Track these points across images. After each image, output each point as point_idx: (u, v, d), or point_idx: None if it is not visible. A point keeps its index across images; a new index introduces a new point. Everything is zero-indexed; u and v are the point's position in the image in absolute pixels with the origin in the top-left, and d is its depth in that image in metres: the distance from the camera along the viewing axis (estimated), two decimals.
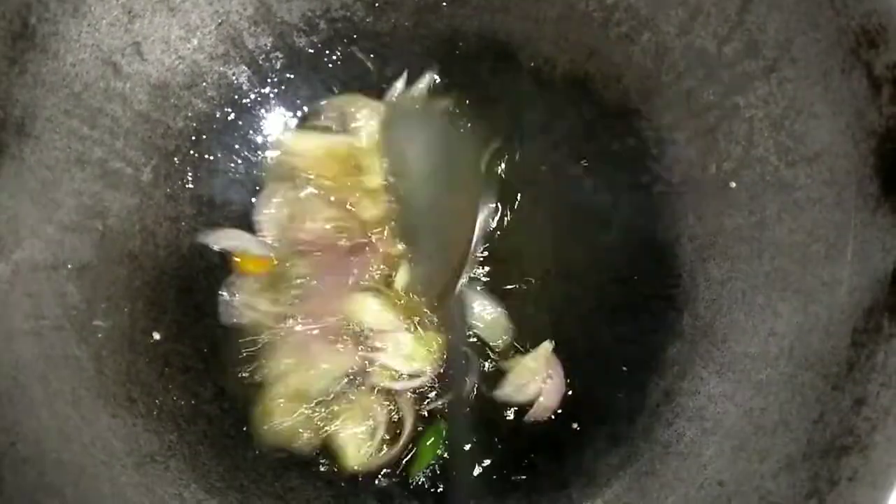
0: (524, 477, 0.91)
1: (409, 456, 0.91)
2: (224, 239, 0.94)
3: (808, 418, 0.73)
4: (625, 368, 0.92)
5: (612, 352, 0.94)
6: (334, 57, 0.97)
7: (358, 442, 0.90)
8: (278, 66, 0.97)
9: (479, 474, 0.91)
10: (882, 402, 0.68)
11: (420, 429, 0.91)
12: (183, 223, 0.94)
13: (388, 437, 0.91)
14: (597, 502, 0.86)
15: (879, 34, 0.69)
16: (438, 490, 0.91)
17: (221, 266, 0.96)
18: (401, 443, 0.90)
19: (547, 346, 0.92)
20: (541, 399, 0.91)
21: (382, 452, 0.90)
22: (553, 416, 0.92)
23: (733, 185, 0.84)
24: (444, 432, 0.91)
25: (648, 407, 0.88)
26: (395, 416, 0.92)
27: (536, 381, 0.91)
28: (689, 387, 0.85)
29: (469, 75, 0.98)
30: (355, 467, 0.90)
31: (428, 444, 0.91)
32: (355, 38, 0.96)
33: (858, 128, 0.72)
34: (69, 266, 0.86)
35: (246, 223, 0.96)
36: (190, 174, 0.95)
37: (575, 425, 0.92)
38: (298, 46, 0.96)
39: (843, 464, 0.68)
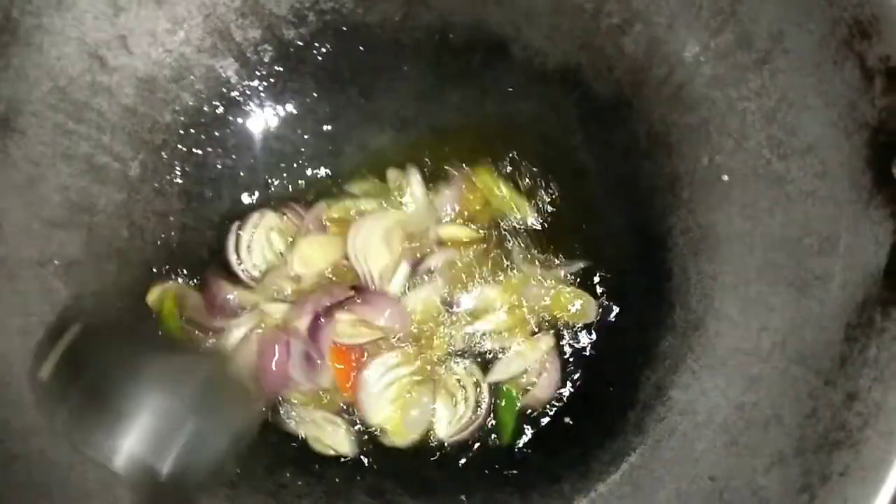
0: (516, 471, 0.91)
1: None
2: None
3: (801, 413, 0.73)
4: (616, 362, 0.92)
5: (604, 345, 0.94)
6: (324, 49, 0.96)
7: (448, 415, 0.90)
8: (267, 59, 0.96)
9: (471, 468, 0.91)
10: (874, 397, 0.67)
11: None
12: (171, 218, 0.94)
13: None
14: (589, 496, 0.86)
15: (872, 25, 0.68)
16: (428, 485, 0.90)
17: (210, 263, 0.95)
18: (482, 411, 0.90)
19: (549, 340, 0.91)
20: (535, 390, 0.91)
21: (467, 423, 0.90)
22: (545, 410, 0.92)
23: (725, 178, 0.84)
24: (513, 393, 0.90)
25: (640, 401, 0.88)
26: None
27: (533, 369, 0.91)
28: (680, 381, 0.85)
29: (460, 68, 0.97)
30: (447, 440, 0.90)
31: (504, 406, 0.90)
32: (344, 30, 0.95)
33: (851, 120, 0.72)
34: (56, 262, 0.85)
35: (234, 219, 0.95)
36: (178, 169, 0.94)
37: (567, 419, 0.92)
38: (287, 39, 0.95)
39: (835, 459, 0.68)
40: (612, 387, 0.91)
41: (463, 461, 0.91)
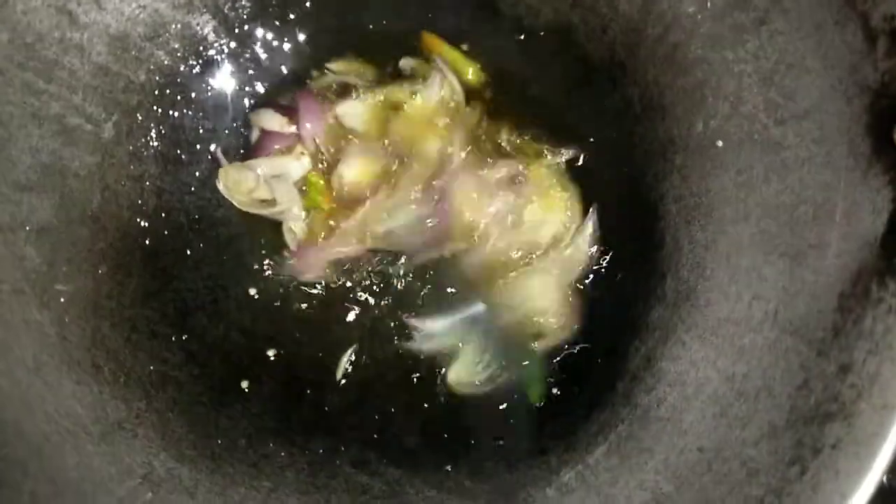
0: (501, 442, 0.90)
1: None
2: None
3: (792, 384, 0.71)
4: (606, 332, 0.90)
5: (593, 315, 0.92)
6: (306, 4, 0.92)
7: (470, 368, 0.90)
8: (245, 16, 0.93)
9: (456, 439, 0.89)
10: (868, 370, 0.66)
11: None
12: (147, 182, 0.91)
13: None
14: (576, 468, 0.85)
15: None
16: (414, 455, 0.89)
17: (189, 227, 0.92)
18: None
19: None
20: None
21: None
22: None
23: (720, 143, 0.81)
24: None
25: (629, 371, 0.87)
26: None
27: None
28: (670, 351, 0.84)
29: (448, 26, 0.93)
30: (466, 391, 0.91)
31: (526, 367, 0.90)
32: None
33: (852, 83, 0.69)
34: (27, 227, 0.82)
35: (211, 183, 0.93)
36: (154, 131, 0.91)
37: (555, 390, 0.91)
38: None
39: (827, 431, 0.66)
40: (600, 357, 0.90)
41: (447, 433, 0.89)
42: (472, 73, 0.93)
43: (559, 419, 0.89)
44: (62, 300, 0.83)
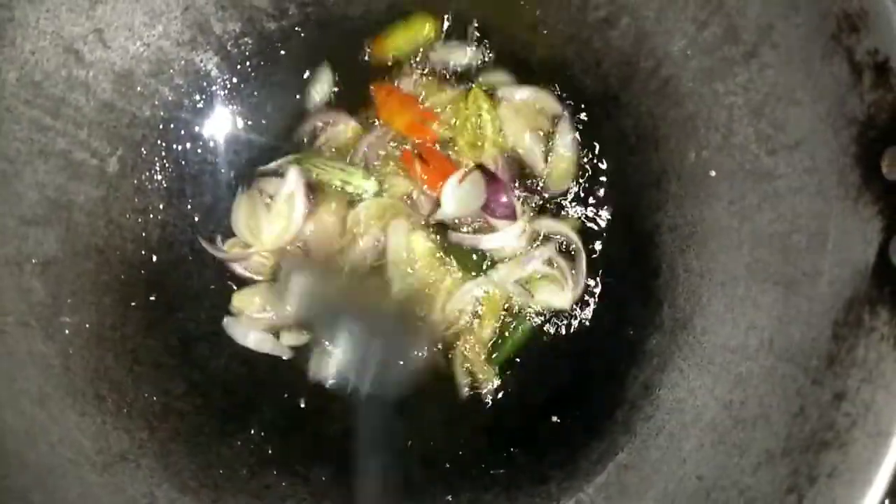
0: (503, 471, 0.90)
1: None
2: None
3: (788, 412, 0.72)
4: (603, 361, 0.91)
5: (591, 344, 0.93)
6: (306, 40, 0.94)
7: None
8: (248, 52, 0.94)
9: (457, 468, 0.90)
10: (862, 398, 0.66)
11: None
12: (151, 215, 0.92)
13: None
14: (576, 496, 0.85)
15: (861, 18, 0.67)
16: (415, 486, 0.89)
17: (191, 258, 0.93)
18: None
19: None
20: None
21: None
22: (531, 409, 0.91)
23: (713, 173, 0.83)
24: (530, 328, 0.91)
25: (628, 400, 0.87)
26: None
27: None
28: (668, 379, 0.84)
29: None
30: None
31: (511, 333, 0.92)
32: (327, 22, 0.93)
33: (839, 115, 0.70)
34: (33, 261, 0.83)
35: (216, 216, 0.94)
36: (158, 165, 0.93)
37: (554, 418, 0.91)
38: (268, 31, 0.94)
39: (823, 460, 0.67)
40: (599, 386, 0.90)
41: (448, 462, 0.90)
42: None
43: (559, 447, 0.89)
44: (67, 332, 0.83)
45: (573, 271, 0.91)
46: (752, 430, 0.74)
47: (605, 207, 0.93)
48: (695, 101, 0.83)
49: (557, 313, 0.93)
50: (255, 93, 0.96)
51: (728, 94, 0.79)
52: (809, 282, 0.73)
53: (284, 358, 0.93)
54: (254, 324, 0.92)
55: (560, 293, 0.91)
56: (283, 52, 0.95)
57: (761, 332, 0.77)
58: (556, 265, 0.92)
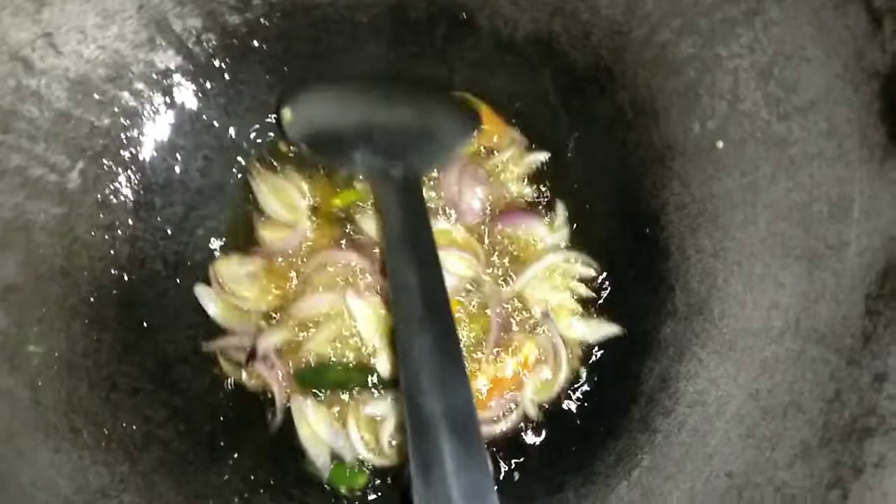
0: (515, 479, 0.84)
1: None
2: None
3: (823, 398, 0.66)
4: (615, 355, 0.85)
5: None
6: (272, 34, 0.88)
7: None
8: (211, 50, 0.88)
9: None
10: None
11: None
12: (119, 231, 0.86)
13: None
14: (597, 503, 0.79)
15: None
16: None
17: (165, 275, 0.87)
18: None
19: None
20: None
21: None
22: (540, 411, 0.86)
23: (720, 144, 0.77)
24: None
25: (644, 394, 0.82)
26: None
27: None
28: (686, 370, 0.79)
29: (422, 45, 0.89)
30: None
31: None
32: (293, 12, 0.87)
33: (858, 70, 0.65)
34: None
35: (187, 226, 0.88)
36: (122, 176, 0.87)
37: (563, 423, 0.85)
38: (232, 25, 0.87)
39: (867, 448, 0.61)
40: (612, 381, 0.84)
41: None
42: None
43: (574, 451, 0.83)
44: (34, 362, 0.77)
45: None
46: (783, 420, 0.69)
47: (606, 190, 0.87)
48: (695, 68, 0.77)
49: None
50: (223, 93, 0.90)
51: (732, 58, 0.74)
52: (835, 254, 0.68)
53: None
54: (225, 297, 0.87)
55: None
56: (249, 48, 0.88)
57: (785, 312, 0.71)
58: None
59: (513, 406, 0.86)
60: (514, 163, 0.91)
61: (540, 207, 0.91)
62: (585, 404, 0.86)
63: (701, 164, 0.79)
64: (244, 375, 0.88)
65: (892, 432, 0.60)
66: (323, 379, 0.86)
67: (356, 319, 0.85)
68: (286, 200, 0.90)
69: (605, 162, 0.87)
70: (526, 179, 0.91)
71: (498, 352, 0.86)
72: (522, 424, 0.86)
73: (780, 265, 0.73)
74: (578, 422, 0.86)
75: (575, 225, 0.90)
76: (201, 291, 0.88)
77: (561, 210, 0.90)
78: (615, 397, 0.84)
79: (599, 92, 0.86)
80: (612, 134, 0.86)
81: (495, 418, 0.86)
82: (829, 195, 0.69)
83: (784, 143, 0.72)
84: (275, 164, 0.91)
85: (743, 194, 0.76)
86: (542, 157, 0.90)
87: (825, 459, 0.64)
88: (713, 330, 0.78)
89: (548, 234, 0.88)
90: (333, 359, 0.86)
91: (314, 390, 0.87)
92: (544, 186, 0.91)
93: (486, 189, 0.89)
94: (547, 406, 0.87)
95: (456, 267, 0.86)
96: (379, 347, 0.86)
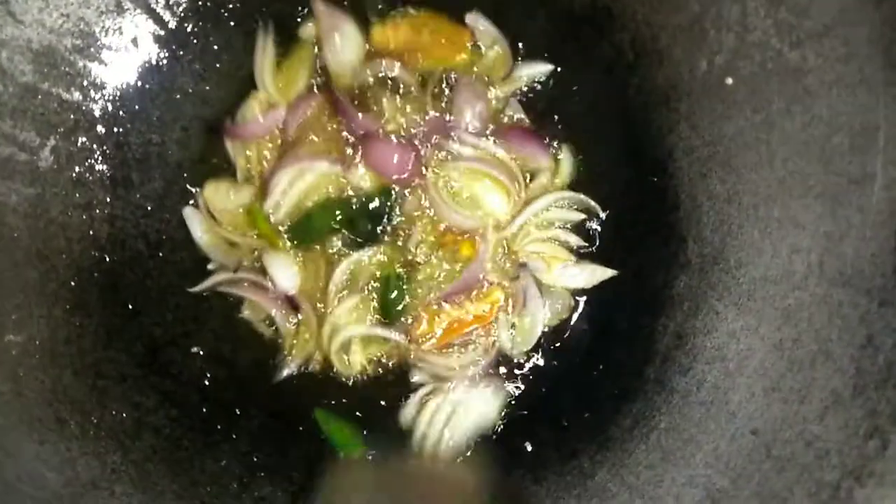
0: (528, 448, 0.81)
1: None
2: None
3: (853, 344, 0.62)
4: (626, 313, 0.81)
5: (610, 294, 0.83)
6: None
7: None
8: (182, 13, 0.84)
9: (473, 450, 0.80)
10: None
11: None
12: (97, 210, 0.82)
13: None
14: (613, 469, 0.75)
15: None
16: None
17: (148, 254, 0.83)
18: None
19: None
20: None
21: None
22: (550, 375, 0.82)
23: (729, 81, 0.73)
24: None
25: (659, 353, 0.78)
26: None
27: None
28: (703, 324, 0.75)
29: None
30: None
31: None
32: None
33: None
34: None
35: (168, 202, 0.84)
36: (98, 152, 0.82)
37: (574, 387, 0.82)
38: None
39: None
40: (624, 341, 0.80)
41: None
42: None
43: (587, 417, 0.79)
44: (14, 352, 0.74)
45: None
46: (811, 370, 0.65)
47: (608, 139, 0.83)
48: (700, 0, 0.71)
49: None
50: (197, 59, 0.85)
51: None
52: (859, 188, 0.64)
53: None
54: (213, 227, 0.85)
55: None
56: (222, 9, 0.83)
57: (807, 255, 0.67)
58: None
59: (479, 343, 0.84)
60: (500, 67, 0.86)
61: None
62: (599, 367, 0.82)
63: (709, 103, 0.75)
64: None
65: None
66: (312, 225, 0.83)
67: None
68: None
69: (606, 109, 0.83)
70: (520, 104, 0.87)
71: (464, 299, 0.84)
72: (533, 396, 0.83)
73: (799, 206, 0.69)
74: (590, 386, 0.82)
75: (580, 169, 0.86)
76: (190, 213, 0.85)
77: (567, 152, 0.86)
78: (628, 358, 0.80)
79: (597, 34, 0.81)
80: (613, 78, 0.82)
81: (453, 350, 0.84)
82: (850, 125, 0.64)
83: (799, 73, 0.67)
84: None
85: (756, 133, 0.72)
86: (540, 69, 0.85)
87: (860, 409, 0.60)
88: (730, 281, 0.74)
89: (551, 168, 0.85)
90: None
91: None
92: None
93: (486, 105, 0.84)
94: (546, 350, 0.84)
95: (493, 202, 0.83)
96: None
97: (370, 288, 0.84)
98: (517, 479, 0.78)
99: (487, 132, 0.85)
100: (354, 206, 0.84)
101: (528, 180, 0.85)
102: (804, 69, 0.67)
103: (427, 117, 0.84)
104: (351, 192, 0.84)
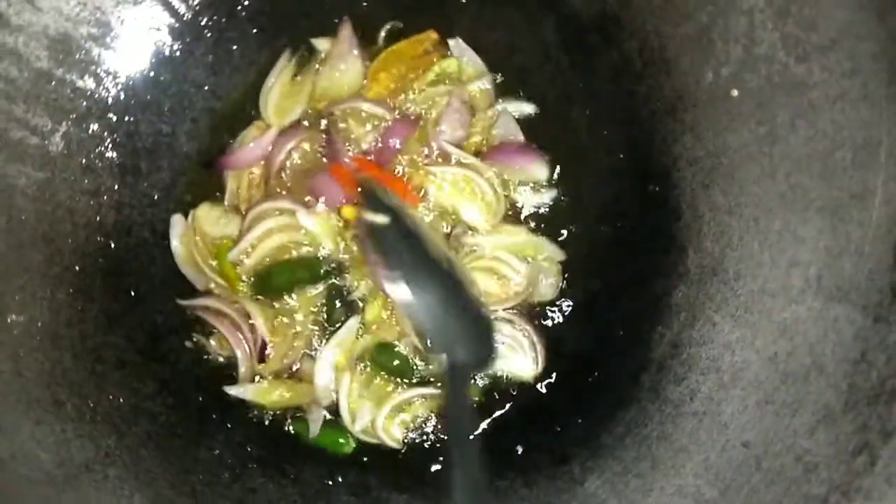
0: (519, 451, 0.80)
1: None
2: None
3: (847, 359, 0.61)
4: (623, 320, 0.80)
5: (608, 301, 0.83)
6: None
7: None
8: (198, 6, 0.85)
9: None
10: None
11: None
12: (104, 197, 0.83)
13: None
14: (604, 476, 0.75)
15: None
16: (417, 477, 0.79)
17: (153, 242, 0.84)
18: None
19: None
20: None
21: None
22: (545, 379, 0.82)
23: (735, 93, 0.72)
24: None
25: (654, 361, 0.77)
26: None
27: None
28: (699, 335, 0.74)
29: None
30: None
31: None
32: None
33: None
34: None
35: (175, 192, 0.85)
36: (108, 140, 0.83)
37: (569, 393, 0.81)
38: None
39: None
40: (620, 347, 0.80)
41: None
42: None
43: (579, 422, 0.79)
44: (16, 332, 0.74)
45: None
46: (804, 384, 0.64)
47: (613, 146, 0.82)
48: (707, 12, 0.72)
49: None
50: (211, 53, 0.86)
51: None
52: (860, 203, 0.63)
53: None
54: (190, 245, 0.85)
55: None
56: (237, 4, 0.84)
57: (806, 269, 0.66)
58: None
59: None
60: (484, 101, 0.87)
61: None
62: (594, 373, 0.81)
63: (715, 114, 0.75)
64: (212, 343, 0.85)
65: None
66: (271, 282, 0.83)
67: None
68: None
69: (612, 116, 0.83)
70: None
71: None
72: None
73: (799, 219, 0.68)
74: (585, 391, 0.81)
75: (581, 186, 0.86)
76: (176, 221, 0.85)
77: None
78: (624, 365, 0.80)
79: (605, 42, 0.81)
80: (619, 86, 0.82)
81: None
82: (853, 140, 0.63)
83: (804, 87, 0.67)
84: None
85: (760, 145, 0.71)
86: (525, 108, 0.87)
87: (850, 424, 0.59)
88: (728, 292, 0.73)
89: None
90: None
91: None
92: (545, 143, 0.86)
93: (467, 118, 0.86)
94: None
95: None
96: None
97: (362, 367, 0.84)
98: (509, 481, 0.78)
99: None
100: (315, 269, 0.84)
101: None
102: (809, 83, 0.66)
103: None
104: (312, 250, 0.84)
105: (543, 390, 0.84)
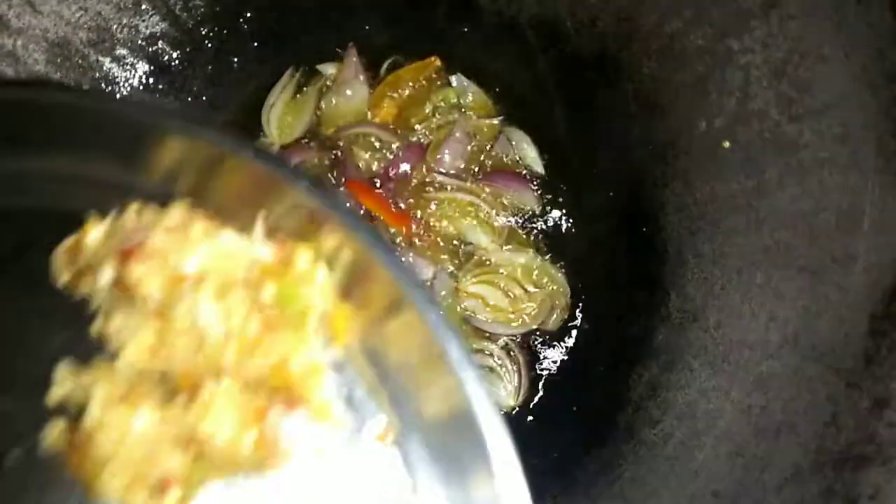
0: None
1: None
2: None
3: (818, 420, 0.62)
4: (603, 359, 0.81)
5: (589, 340, 0.84)
6: (264, 5, 0.84)
7: None
8: (200, 17, 0.84)
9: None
10: None
11: None
12: None
13: None
14: None
15: None
16: None
17: None
18: None
19: None
20: None
21: None
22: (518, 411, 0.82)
23: (727, 144, 0.73)
24: None
25: (632, 401, 0.78)
26: None
27: None
28: (677, 379, 0.75)
29: (421, 23, 0.85)
30: None
31: None
32: None
33: (878, 72, 0.60)
34: None
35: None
36: None
37: (545, 425, 0.82)
38: None
39: (863, 478, 0.57)
40: (599, 385, 0.81)
41: None
42: None
43: (556, 456, 0.79)
44: None
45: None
46: (775, 440, 0.65)
47: (603, 185, 0.83)
48: (705, 62, 0.73)
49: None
50: (211, 64, 0.86)
51: (744, 52, 0.69)
52: (840, 268, 0.64)
53: None
54: None
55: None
56: (239, 16, 0.84)
57: (784, 325, 0.67)
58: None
59: None
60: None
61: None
62: (572, 408, 0.82)
63: (705, 163, 0.75)
64: None
65: (890, 463, 0.56)
66: None
67: None
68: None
69: (604, 155, 0.84)
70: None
71: None
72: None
73: (781, 276, 0.69)
74: (562, 427, 0.82)
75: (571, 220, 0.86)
76: None
77: None
78: (601, 403, 0.80)
79: (603, 81, 0.82)
80: (613, 126, 0.82)
81: None
82: (838, 204, 0.64)
83: (794, 147, 0.67)
84: None
85: (747, 198, 0.72)
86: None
87: (817, 486, 0.60)
88: (707, 340, 0.74)
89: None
90: None
91: None
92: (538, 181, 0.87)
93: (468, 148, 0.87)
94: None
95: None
96: None
97: None
98: None
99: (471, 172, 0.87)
100: None
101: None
102: (800, 143, 0.67)
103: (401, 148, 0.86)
104: None
105: (519, 421, 0.84)
